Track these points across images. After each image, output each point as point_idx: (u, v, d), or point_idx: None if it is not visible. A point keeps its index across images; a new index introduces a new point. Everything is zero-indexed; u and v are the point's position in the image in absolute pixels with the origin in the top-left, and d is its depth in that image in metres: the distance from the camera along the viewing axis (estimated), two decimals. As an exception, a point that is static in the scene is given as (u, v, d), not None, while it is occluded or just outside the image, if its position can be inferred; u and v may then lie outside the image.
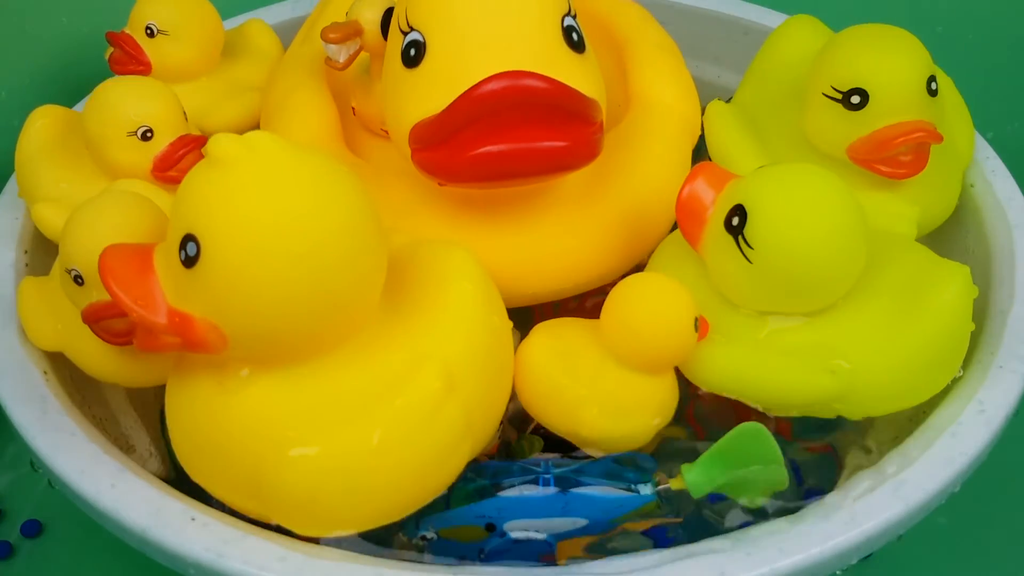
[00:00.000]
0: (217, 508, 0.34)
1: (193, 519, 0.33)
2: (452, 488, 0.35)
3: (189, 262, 0.31)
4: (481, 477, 0.35)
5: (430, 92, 0.37)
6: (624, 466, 0.36)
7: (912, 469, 0.34)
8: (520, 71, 0.35)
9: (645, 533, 0.37)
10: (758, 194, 0.36)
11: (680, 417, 0.39)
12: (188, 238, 0.31)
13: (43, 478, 0.36)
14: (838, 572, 0.33)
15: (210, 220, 0.30)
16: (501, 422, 0.37)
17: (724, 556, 0.32)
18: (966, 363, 0.39)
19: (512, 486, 0.35)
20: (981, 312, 0.41)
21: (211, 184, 0.31)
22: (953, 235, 0.46)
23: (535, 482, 0.35)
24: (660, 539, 0.37)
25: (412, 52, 0.37)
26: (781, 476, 0.34)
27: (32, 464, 0.37)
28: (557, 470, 0.35)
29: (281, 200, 0.30)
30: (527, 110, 0.35)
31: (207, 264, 0.30)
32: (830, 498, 0.34)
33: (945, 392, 0.38)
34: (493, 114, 0.35)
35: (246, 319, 0.31)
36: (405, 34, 0.38)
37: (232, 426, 0.33)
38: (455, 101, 0.35)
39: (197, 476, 0.35)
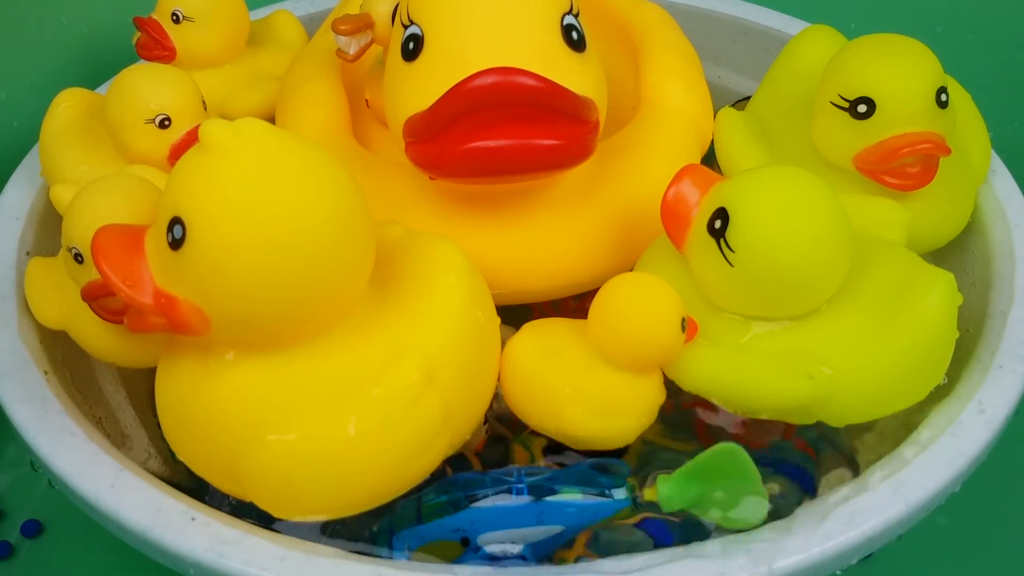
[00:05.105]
0: (217, 508, 0.34)
1: (193, 519, 0.33)
2: (424, 503, 0.35)
3: (175, 244, 0.31)
4: (454, 490, 0.35)
5: (425, 86, 0.37)
6: (597, 472, 0.36)
7: (912, 469, 0.34)
8: (511, 68, 0.35)
9: (637, 526, 0.37)
10: (740, 197, 0.35)
11: (690, 432, 0.39)
12: (175, 221, 0.31)
13: (43, 478, 0.36)
14: (838, 572, 0.33)
15: (196, 204, 0.31)
16: (485, 418, 0.37)
17: (724, 556, 0.32)
18: (966, 363, 0.39)
19: (485, 497, 0.35)
20: (981, 312, 0.41)
21: (199, 169, 0.31)
22: (953, 235, 0.46)
23: (508, 492, 0.35)
24: (653, 530, 0.37)
25: (411, 45, 0.37)
26: (760, 505, 0.34)
27: (32, 464, 0.37)
28: (530, 479, 0.35)
29: (266, 187, 0.31)
30: (519, 107, 0.35)
31: (191, 247, 0.31)
32: (830, 498, 0.34)
33: (945, 392, 0.38)
34: (482, 109, 0.35)
35: (227, 302, 0.31)
36: (406, 27, 0.38)
37: (214, 408, 0.33)
38: (444, 95, 0.35)
39: (181, 454, 0.35)
